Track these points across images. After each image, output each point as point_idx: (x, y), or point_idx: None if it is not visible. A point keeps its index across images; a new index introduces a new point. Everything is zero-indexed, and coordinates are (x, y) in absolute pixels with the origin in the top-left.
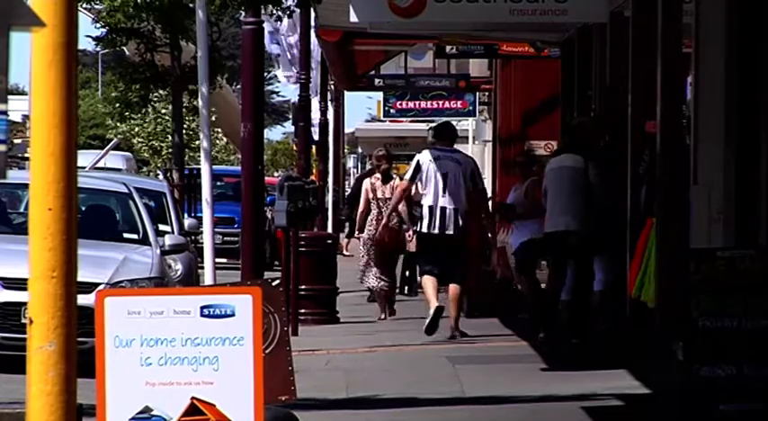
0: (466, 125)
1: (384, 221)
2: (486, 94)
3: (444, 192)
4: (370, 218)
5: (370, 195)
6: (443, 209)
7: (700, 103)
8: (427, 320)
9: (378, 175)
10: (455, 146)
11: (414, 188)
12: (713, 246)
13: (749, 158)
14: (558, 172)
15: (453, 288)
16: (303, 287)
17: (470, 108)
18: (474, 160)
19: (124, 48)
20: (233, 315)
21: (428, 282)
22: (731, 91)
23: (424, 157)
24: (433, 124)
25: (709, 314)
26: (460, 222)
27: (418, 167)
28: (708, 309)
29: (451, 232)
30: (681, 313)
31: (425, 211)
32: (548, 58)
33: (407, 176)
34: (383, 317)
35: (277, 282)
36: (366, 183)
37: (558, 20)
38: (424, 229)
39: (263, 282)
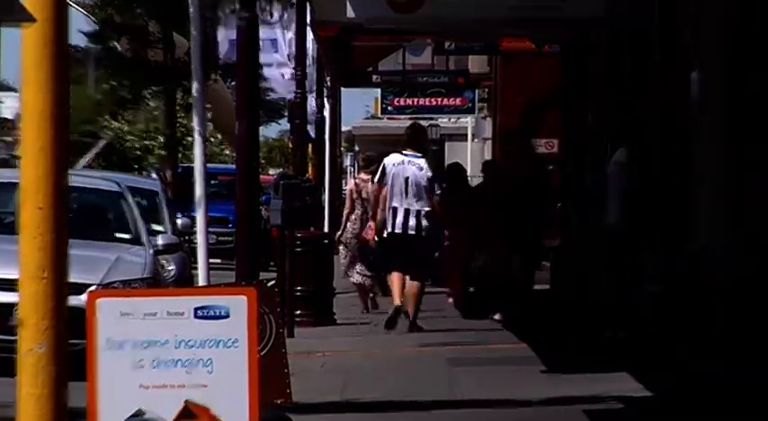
0: (465, 122)
1: (371, 223)
2: (486, 90)
3: (407, 195)
4: (354, 217)
5: (355, 195)
6: (406, 210)
7: (701, 101)
8: (387, 315)
9: (363, 176)
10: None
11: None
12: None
13: (752, 157)
14: (610, 167)
15: (411, 285)
16: (299, 288)
17: (469, 105)
18: (442, 166)
19: (116, 43)
20: (227, 316)
21: (395, 279)
22: (734, 87)
23: (389, 161)
24: (433, 122)
25: (708, 314)
26: (423, 222)
27: (384, 171)
28: (707, 309)
29: (414, 232)
30: (681, 314)
31: (390, 212)
32: (549, 55)
33: (377, 180)
34: (365, 311)
35: (272, 282)
36: (350, 184)
37: (557, 15)
38: (388, 229)
39: (258, 283)
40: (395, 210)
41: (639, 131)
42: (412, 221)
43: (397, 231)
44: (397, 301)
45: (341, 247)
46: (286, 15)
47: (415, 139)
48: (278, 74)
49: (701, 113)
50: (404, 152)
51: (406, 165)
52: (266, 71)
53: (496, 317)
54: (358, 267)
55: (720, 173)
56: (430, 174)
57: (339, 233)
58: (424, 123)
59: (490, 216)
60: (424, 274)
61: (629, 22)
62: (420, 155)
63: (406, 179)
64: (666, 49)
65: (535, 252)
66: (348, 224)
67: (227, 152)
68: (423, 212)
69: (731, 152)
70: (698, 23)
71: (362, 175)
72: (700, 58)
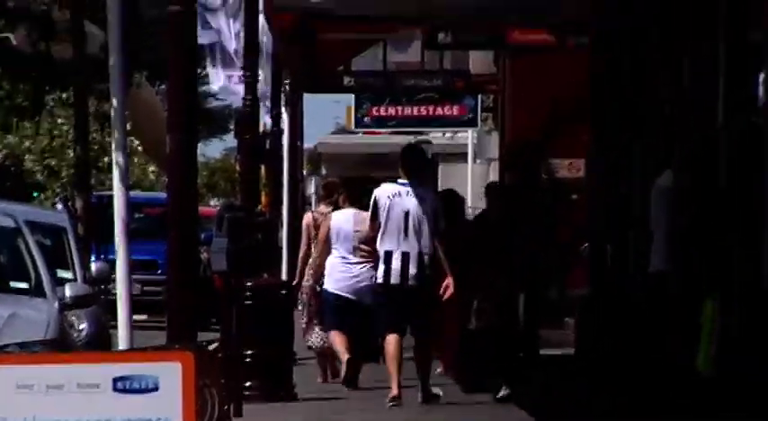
0: (465, 138)
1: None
2: (491, 97)
3: (406, 235)
4: (310, 261)
5: (313, 232)
6: (405, 254)
7: None
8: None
9: (323, 209)
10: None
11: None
12: None
13: None
14: (652, 194)
15: (421, 345)
16: (249, 352)
17: (470, 115)
18: (439, 197)
19: (10, 35)
20: (156, 389)
21: (389, 350)
22: None
23: (382, 193)
24: (423, 137)
25: None
26: (426, 271)
27: (376, 205)
28: None
29: (415, 283)
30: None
31: (382, 257)
32: (573, 50)
33: (370, 217)
34: (321, 380)
35: (215, 345)
36: (307, 218)
37: None
38: (380, 279)
39: (197, 347)
40: (388, 254)
41: (693, 150)
42: (413, 269)
43: (393, 282)
44: (393, 391)
45: (299, 301)
46: None
47: (413, 164)
48: (222, 75)
49: None
50: (399, 181)
51: (404, 197)
52: (207, 72)
53: (501, 393)
54: (317, 328)
55: None
56: (436, 203)
57: (296, 280)
58: (412, 139)
59: (488, 255)
60: (429, 331)
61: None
62: (420, 183)
63: (406, 214)
64: (735, 45)
65: (533, 302)
66: (306, 269)
67: (154, 176)
68: (426, 257)
69: None
70: None
71: (322, 207)
72: None
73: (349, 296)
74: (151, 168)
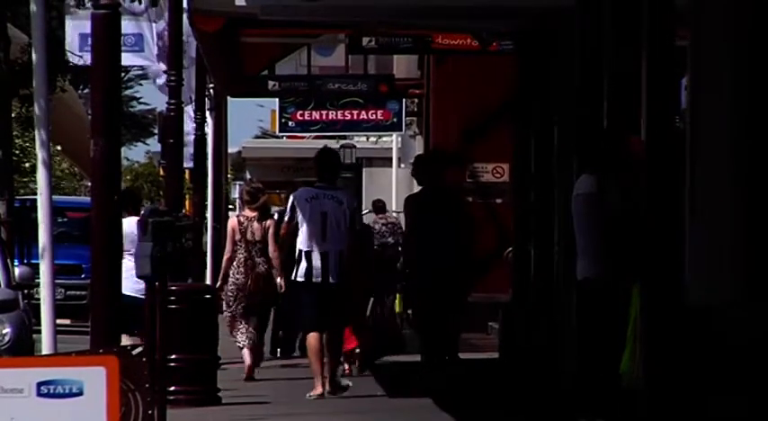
0: (389, 142)
1: (278, 272)
2: (416, 101)
3: (324, 235)
4: (235, 263)
5: (237, 236)
6: (324, 254)
7: (699, 112)
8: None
9: (248, 213)
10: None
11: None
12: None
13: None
14: (574, 201)
15: (331, 335)
16: (173, 357)
17: (395, 120)
18: (356, 199)
19: None
20: (80, 394)
21: (312, 345)
22: (741, 95)
23: (300, 196)
24: (347, 142)
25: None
26: (344, 269)
27: (294, 207)
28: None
29: (335, 280)
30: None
31: (302, 257)
32: (497, 54)
33: (287, 218)
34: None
35: (139, 350)
36: (232, 221)
37: (514, 3)
38: (301, 277)
39: (121, 351)
40: (308, 254)
41: (613, 154)
42: (332, 267)
43: (315, 280)
44: (318, 389)
45: (223, 304)
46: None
47: (328, 167)
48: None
49: (696, 128)
50: (316, 184)
51: (321, 200)
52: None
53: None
54: (242, 327)
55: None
56: (354, 204)
57: (218, 283)
58: (336, 143)
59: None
60: (343, 324)
61: (606, 13)
62: (336, 186)
63: (324, 215)
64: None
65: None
66: (230, 272)
67: (68, 180)
68: (344, 256)
69: (739, 177)
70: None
71: (247, 212)
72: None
73: (138, 296)
74: (64, 165)
